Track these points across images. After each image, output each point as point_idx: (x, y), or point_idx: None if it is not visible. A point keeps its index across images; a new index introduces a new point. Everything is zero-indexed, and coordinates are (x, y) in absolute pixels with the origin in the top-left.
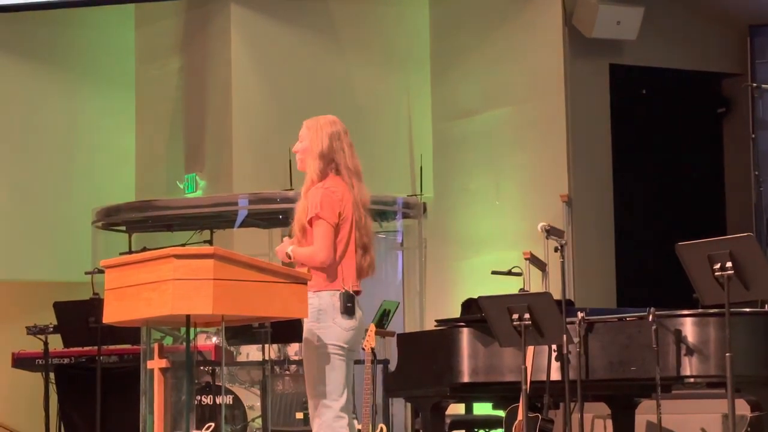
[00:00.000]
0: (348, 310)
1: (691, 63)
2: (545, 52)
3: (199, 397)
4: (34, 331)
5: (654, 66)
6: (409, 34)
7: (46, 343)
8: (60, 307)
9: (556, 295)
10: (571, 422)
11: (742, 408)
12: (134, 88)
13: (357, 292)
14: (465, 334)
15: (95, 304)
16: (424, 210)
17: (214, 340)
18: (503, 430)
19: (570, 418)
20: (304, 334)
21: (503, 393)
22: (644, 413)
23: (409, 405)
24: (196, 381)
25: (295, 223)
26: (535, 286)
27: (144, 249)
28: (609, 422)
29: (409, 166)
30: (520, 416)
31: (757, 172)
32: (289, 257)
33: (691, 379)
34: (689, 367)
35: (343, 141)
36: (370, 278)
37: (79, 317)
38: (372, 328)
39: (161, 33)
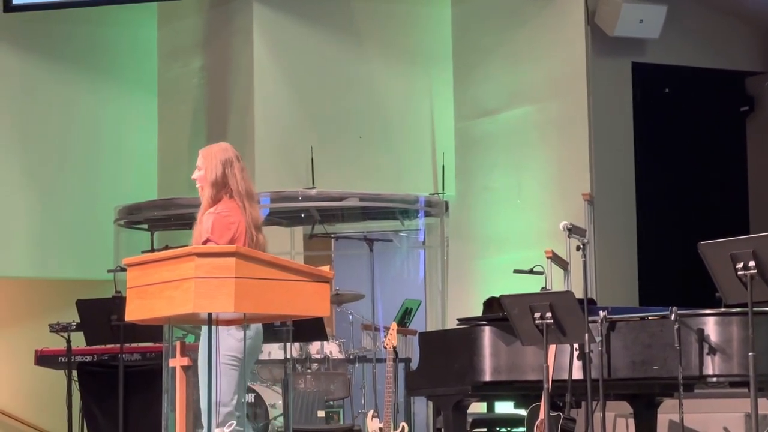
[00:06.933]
0: None
1: (715, 61)
2: (567, 51)
3: None
4: (57, 328)
5: (677, 64)
6: (432, 32)
7: (68, 341)
8: (82, 305)
9: (578, 294)
10: (593, 421)
11: (765, 407)
12: (156, 87)
13: None
14: (487, 332)
15: (118, 302)
16: (446, 208)
17: None
18: (525, 429)
19: (592, 417)
20: (201, 341)
21: (525, 392)
22: (666, 412)
23: (430, 403)
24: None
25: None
26: (557, 284)
27: (166, 247)
28: (631, 421)
29: (432, 164)
30: (541, 415)
31: None
32: None
33: (714, 379)
34: (712, 366)
35: (235, 167)
36: (391, 277)
37: (101, 315)
38: (394, 326)
39: (183, 32)
